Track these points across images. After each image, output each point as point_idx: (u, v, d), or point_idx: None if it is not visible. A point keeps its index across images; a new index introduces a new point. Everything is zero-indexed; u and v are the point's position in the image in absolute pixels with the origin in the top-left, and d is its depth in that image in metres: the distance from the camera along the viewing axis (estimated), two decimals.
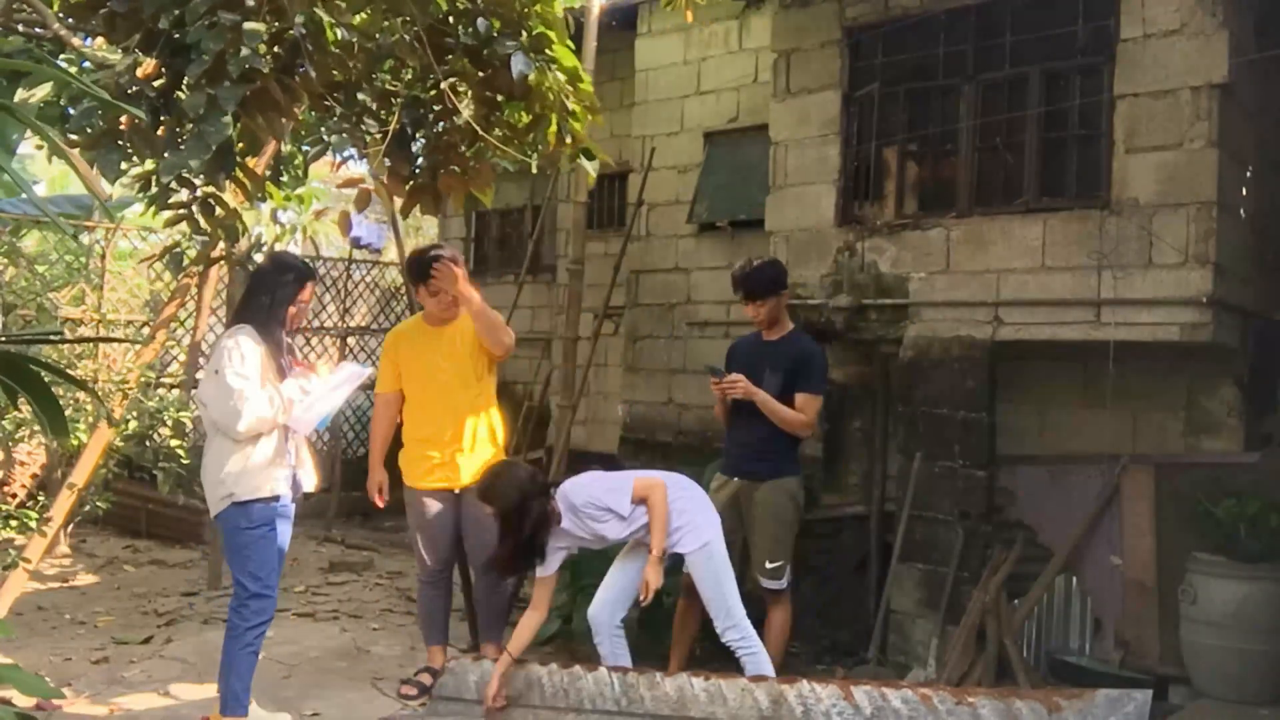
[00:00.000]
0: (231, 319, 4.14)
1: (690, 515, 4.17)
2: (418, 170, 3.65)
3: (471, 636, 5.22)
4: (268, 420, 3.88)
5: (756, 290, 4.74)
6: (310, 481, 4.21)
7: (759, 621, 4.40)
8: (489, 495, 4.11)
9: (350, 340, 9.90)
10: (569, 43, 3.51)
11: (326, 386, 4.11)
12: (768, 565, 4.62)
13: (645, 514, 4.13)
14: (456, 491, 4.64)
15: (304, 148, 5.41)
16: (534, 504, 4.08)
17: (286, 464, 4.03)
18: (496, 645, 4.67)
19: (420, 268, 4.52)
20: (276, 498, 3.96)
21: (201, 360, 6.50)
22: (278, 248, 5.54)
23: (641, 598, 4.05)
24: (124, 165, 2.99)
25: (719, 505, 4.65)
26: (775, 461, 4.65)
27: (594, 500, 4.15)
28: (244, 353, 3.86)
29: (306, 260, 4.50)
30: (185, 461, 6.68)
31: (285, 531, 4.13)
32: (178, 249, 5.00)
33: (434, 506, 4.66)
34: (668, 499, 4.11)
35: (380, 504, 4.75)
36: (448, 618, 4.87)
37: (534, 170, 4.07)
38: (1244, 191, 5.00)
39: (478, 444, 4.66)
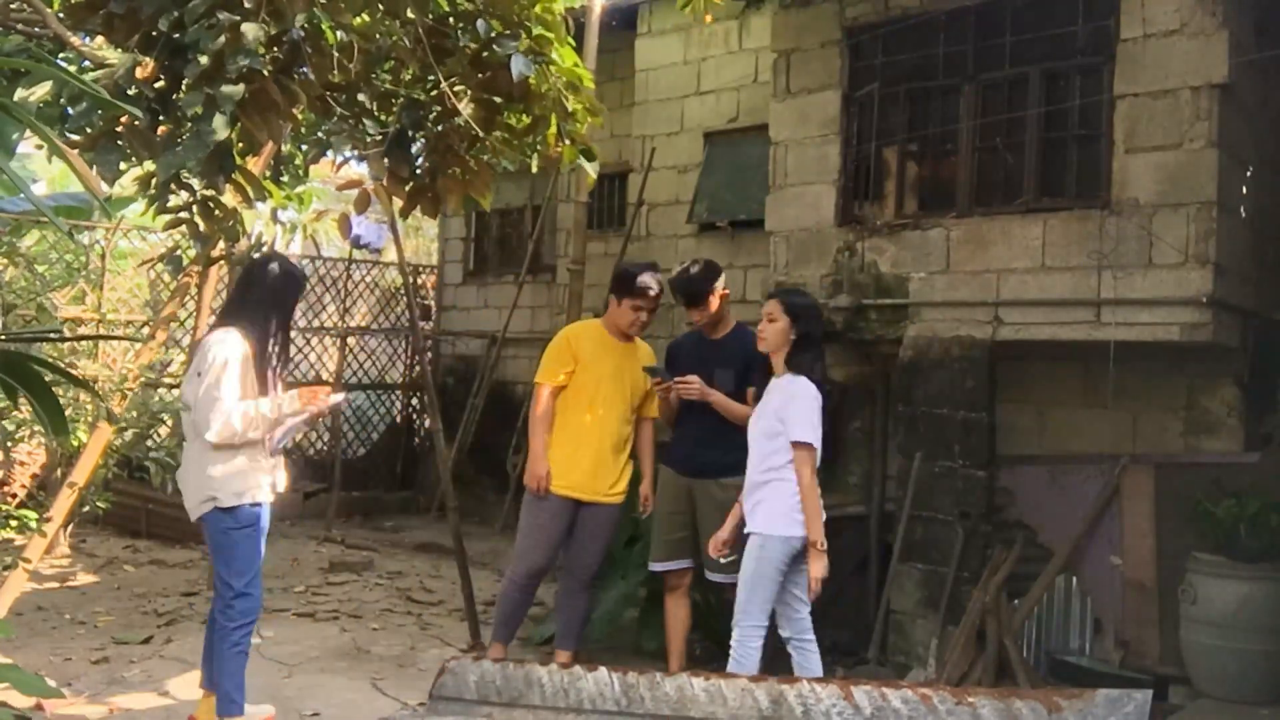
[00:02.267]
0: (220, 317, 4.02)
1: (777, 497, 4.04)
2: (417, 172, 3.65)
3: (472, 637, 5.23)
4: (237, 435, 3.77)
5: (697, 297, 4.70)
6: (281, 482, 4.10)
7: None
8: (794, 310, 4.13)
9: (350, 340, 9.90)
10: (571, 41, 3.51)
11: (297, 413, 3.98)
12: (721, 560, 4.63)
13: (771, 475, 4.03)
14: (581, 502, 4.70)
15: (303, 147, 5.42)
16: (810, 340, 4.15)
17: (268, 469, 3.94)
18: (570, 654, 4.74)
19: (626, 282, 4.67)
20: (258, 502, 3.90)
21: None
22: (279, 246, 5.54)
23: (809, 595, 4.02)
24: (123, 165, 2.99)
25: (668, 501, 4.77)
26: (725, 457, 4.57)
27: (794, 400, 4.02)
28: (227, 357, 3.76)
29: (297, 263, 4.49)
30: (179, 455, 6.69)
31: (261, 541, 4.07)
32: (177, 251, 5.00)
33: (557, 511, 4.70)
34: (814, 485, 3.98)
35: (540, 490, 4.68)
36: (523, 620, 4.99)
37: (534, 170, 4.07)
38: (1244, 191, 5.00)
39: (620, 465, 4.76)
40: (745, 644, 4.03)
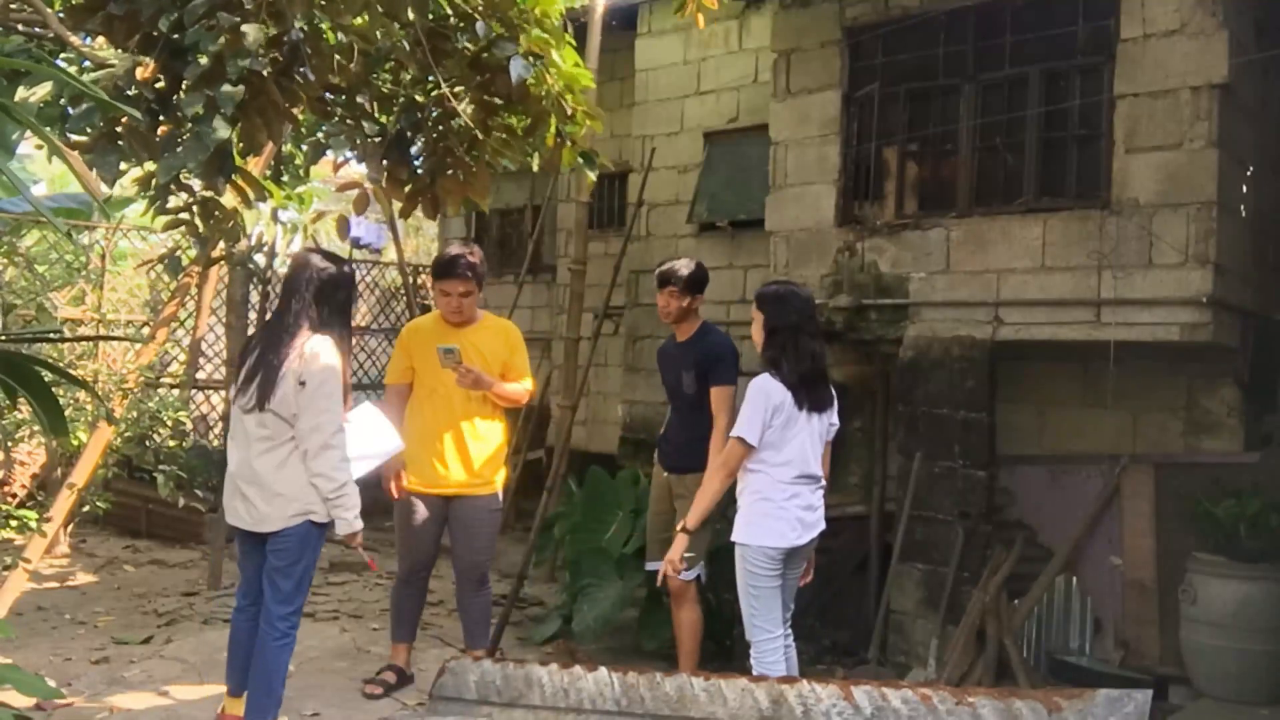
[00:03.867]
0: (300, 325, 3.84)
1: (747, 503, 3.95)
2: (416, 173, 3.65)
3: (466, 638, 5.22)
4: (348, 469, 3.81)
5: (665, 278, 4.70)
6: None
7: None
8: (762, 304, 4.03)
9: (350, 340, 9.89)
10: (571, 40, 3.51)
11: (367, 438, 4.04)
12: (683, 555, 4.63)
13: (751, 463, 3.93)
14: (447, 497, 4.65)
15: (303, 148, 5.42)
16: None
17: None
18: (486, 650, 4.71)
19: (441, 267, 4.57)
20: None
21: (202, 359, 6.48)
22: (279, 247, 5.54)
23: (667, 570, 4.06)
24: (123, 166, 2.99)
25: (657, 500, 4.82)
26: (693, 456, 4.57)
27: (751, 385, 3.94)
28: (332, 374, 3.75)
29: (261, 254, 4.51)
30: (183, 459, 6.68)
31: None
32: (177, 252, 5.01)
33: (422, 510, 4.66)
34: (723, 484, 3.97)
35: (395, 495, 4.67)
36: (417, 618, 4.89)
37: (534, 170, 4.07)
38: (1244, 191, 5.00)
39: (476, 454, 4.65)
40: (763, 659, 3.93)
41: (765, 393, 3.87)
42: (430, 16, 3.25)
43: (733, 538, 3.98)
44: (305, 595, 3.92)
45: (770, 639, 3.93)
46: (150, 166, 3.01)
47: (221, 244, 3.68)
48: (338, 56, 3.22)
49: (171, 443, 6.74)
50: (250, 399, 3.78)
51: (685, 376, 4.69)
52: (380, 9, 3.11)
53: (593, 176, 3.83)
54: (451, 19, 3.37)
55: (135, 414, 6.23)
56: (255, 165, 4.27)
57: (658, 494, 4.86)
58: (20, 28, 3.20)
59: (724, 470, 3.98)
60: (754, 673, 3.88)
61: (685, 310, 4.75)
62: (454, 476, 4.61)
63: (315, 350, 3.77)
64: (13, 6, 3.17)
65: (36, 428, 6.01)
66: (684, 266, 4.76)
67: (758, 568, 3.91)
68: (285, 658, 3.88)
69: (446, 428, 4.60)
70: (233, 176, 3.11)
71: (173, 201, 3.17)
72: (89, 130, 2.95)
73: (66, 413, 5.77)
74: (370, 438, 4.12)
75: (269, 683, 3.85)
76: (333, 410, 3.75)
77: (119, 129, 2.88)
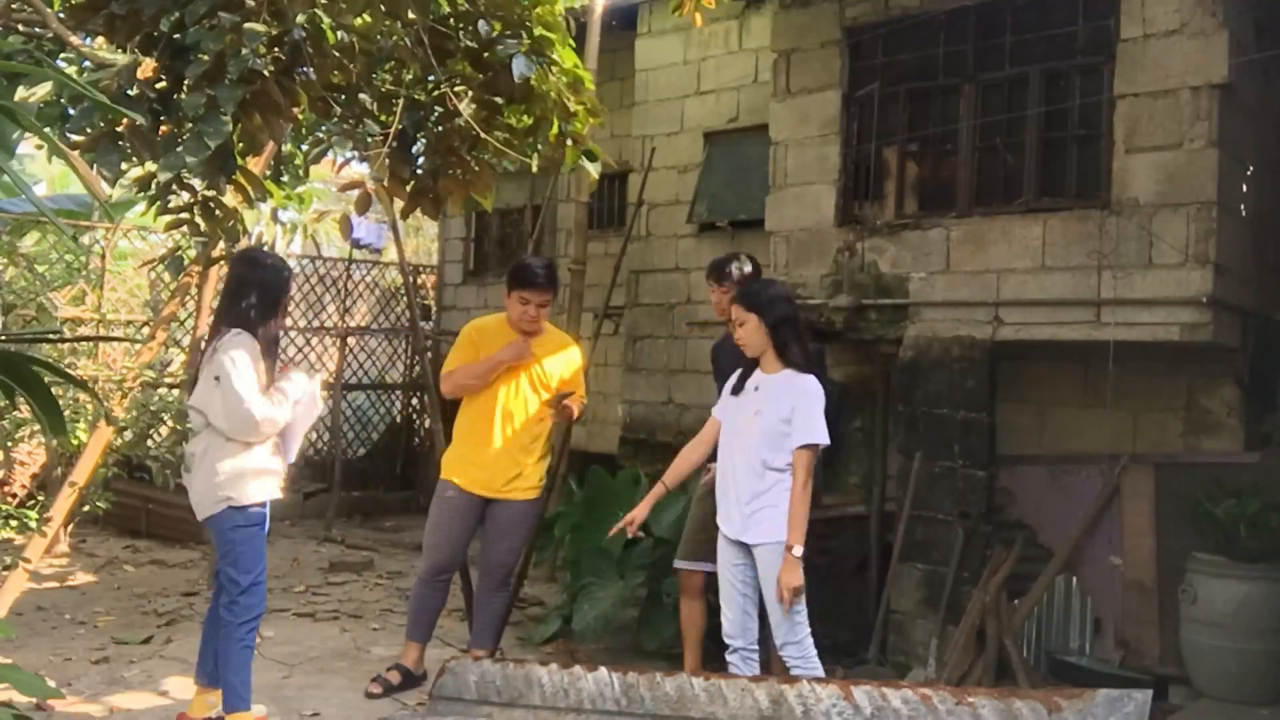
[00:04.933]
0: (220, 320, 4.06)
1: (773, 497, 3.82)
2: (418, 172, 3.65)
3: (473, 637, 5.22)
4: (279, 423, 3.92)
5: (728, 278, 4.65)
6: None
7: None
8: (756, 304, 3.91)
9: (350, 340, 9.91)
10: (571, 42, 3.51)
11: (305, 394, 4.08)
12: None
13: (765, 484, 3.82)
14: (488, 499, 4.67)
15: (303, 147, 5.41)
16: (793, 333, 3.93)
17: (277, 468, 4.03)
18: (488, 651, 4.70)
19: (523, 276, 4.60)
20: (266, 502, 3.97)
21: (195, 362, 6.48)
22: (279, 247, 5.53)
23: (787, 608, 3.76)
24: (124, 166, 2.99)
25: (701, 502, 4.65)
26: None
27: (808, 400, 3.81)
28: (246, 359, 3.86)
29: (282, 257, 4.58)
30: (180, 456, 6.67)
31: None
32: (178, 252, 5.01)
33: (459, 507, 4.67)
34: (809, 493, 3.78)
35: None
36: (435, 618, 4.85)
37: (535, 170, 4.07)
38: (1244, 191, 5.00)
39: (525, 459, 4.70)
40: (808, 660, 3.83)
41: (822, 395, 3.84)
42: (432, 15, 3.25)
43: (767, 538, 3.81)
44: (251, 582, 3.92)
45: (810, 635, 3.84)
46: (151, 166, 3.01)
47: (222, 244, 3.68)
48: (339, 56, 3.21)
49: (172, 440, 6.73)
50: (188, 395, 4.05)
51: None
52: (382, 8, 3.11)
53: (595, 175, 3.83)
54: (453, 18, 3.37)
55: (135, 414, 6.23)
56: (255, 165, 4.27)
57: (703, 494, 4.65)
58: (20, 28, 3.19)
59: (809, 480, 3.81)
60: (800, 675, 3.73)
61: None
62: (500, 481, 4.65)
63: (224, 345, 3.90)
64: (13, 7, 3.17)
65: (36, 428, 6.00)
66: (736, 267, 4.70)
67: (801, 563, 3.80)
68: (234, 648, 3.89)
69: (499, 432, 4.64)
70: (234, 175, 3.11)
71: (174, 201, 3.17)
72: (89, 130, 2.95)
73: (66, 413, 5.77)
74: (296, 391, 4.13)
75: (225, 674, 3.92)
76: (249, 394, 3.84)
77: (119, 129, 2.88)
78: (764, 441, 3.86)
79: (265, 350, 3.97)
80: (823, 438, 3.80)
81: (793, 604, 3.76)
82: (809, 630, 3.84)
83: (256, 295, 4.00)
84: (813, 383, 3.87)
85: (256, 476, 3.93)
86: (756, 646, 4.02)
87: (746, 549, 3.92)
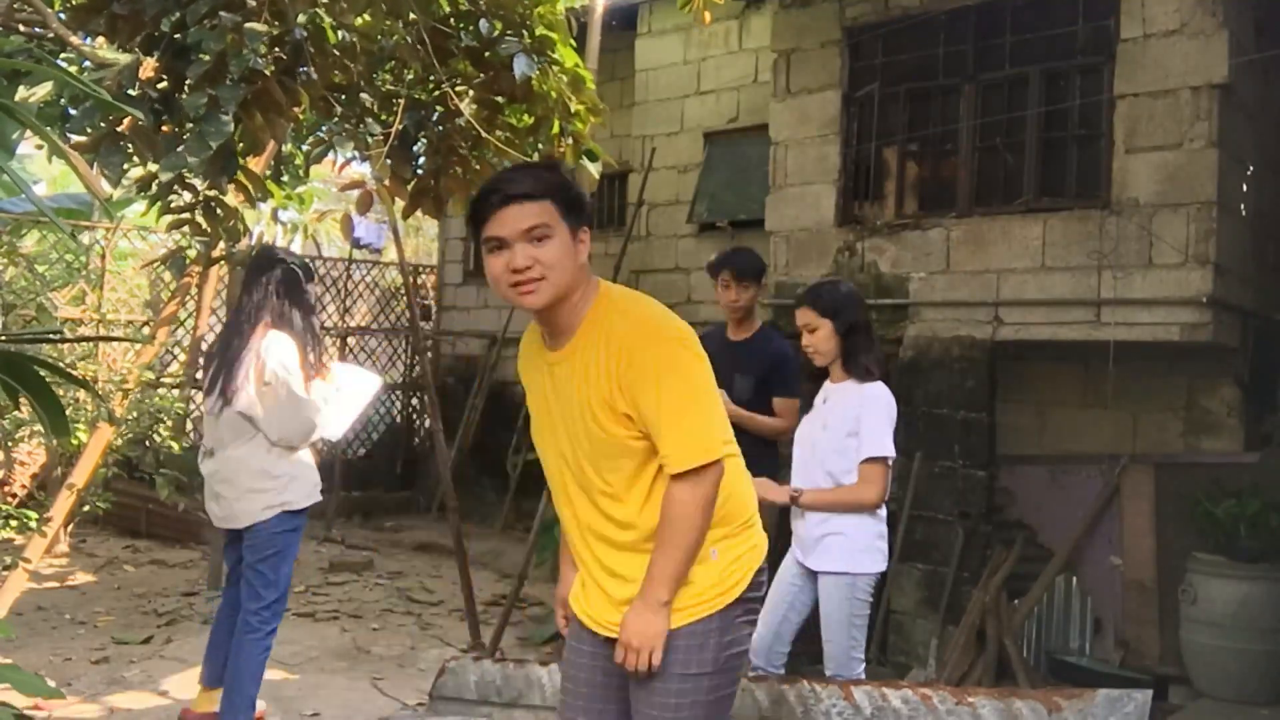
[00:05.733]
0: (259, 321, 3.88)
1: (851, 531, 3.57)
2: (419, 172, 3.65)
3: (472, 637, 5.22)
4: (335, 429, 3.93)
5: (746, 270, 4.33)
6: None
7: None
8: (831, 308, 3.62)
9: (350, 340, 9.91)
10: (572, 42, 3.51)
11: (347, 391, 4.07)
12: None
13: (853, 479, 3.57)
14: (603, 637, 2.37)
15: (303, 147, 5.41)
16: (866, 340, 3.61)
17: (316, 470, 4.02)
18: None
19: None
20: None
21: (202, 359, 6.48)
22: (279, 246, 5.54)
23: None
24: (126, 166, 2.99)
25: None
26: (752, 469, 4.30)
27: (875, 409, 3.55)
28: (296, 361, 3.81)
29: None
30: (182, 459, 6.67)
31: None
32: (180, 252, 5.01)
33: (578, 647, 2.44)
34: (867, 507, 3.54)
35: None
36: None
37: None
38: (1244, 191, 5.00)
39: (636, 560, 2.26)
40: None
41: (891, 404, 3.58)
42: (433, 15, 3.25)
43: (838, 567, 3.58)
44: (281, 591, 3.89)
45: (862, 667, 3.66)
46: (153, 166, 3.01)
47: (222, 243, 3.68)
48: (340, 55, 3.21)
49: (172, 443, 6.73)
50: (216, 401, 3.85)
51: (740, 380, 4.18)
52: (384, 7, 3.11)
53: (595, 174, 3.83)
54: (454, 17, 3.37)
55: (135, 414, 6.23)
56: (256, 165, 4.27)
57: None
58: (21, 28, 3.19)
59: (880, 498, 3.55)
60: None
61: (752, 302, 4.39)
62: (611, 603, 2.33)
63: (268, 346, 3.81)
64: (14, 6, 3.17)
65: (37, 428, 6.01)
66: (740, 256, 4.43)
67: (867, 595, 3.61)
68: (258, 656, 3.85)
69: (576, 522, 2.39)
70: (236, 175, 3.11)
71: (175, 201, 3.17)
72: (89, 130, 2.95)
73: (66, 413, 5.76)
74: (352, 386, 4.14)
75: (240, 681, 3.85)
76: (311, 402, 3.82)
77: (121, 129, 2.88)
78: (831, 456, 3.62)
79: (303, 355, 3.90)
80: (885, 449, 3.52)
81: (856, 634, 3.60)
82: (864, 667, 3.68)
83: (293, 297, 3.93)
84: (880, 390, 3.59)
85: (307, 480, 3.89)
86: (781, 671, 3.74)
87: (810, 574, 3.69)
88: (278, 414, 3.77)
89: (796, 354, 4.41)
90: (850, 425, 3.56)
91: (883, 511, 3.68)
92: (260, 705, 4.22)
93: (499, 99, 3.49)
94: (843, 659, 3.63)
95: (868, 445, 3.52)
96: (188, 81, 2.77)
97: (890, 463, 3.57)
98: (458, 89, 3.41)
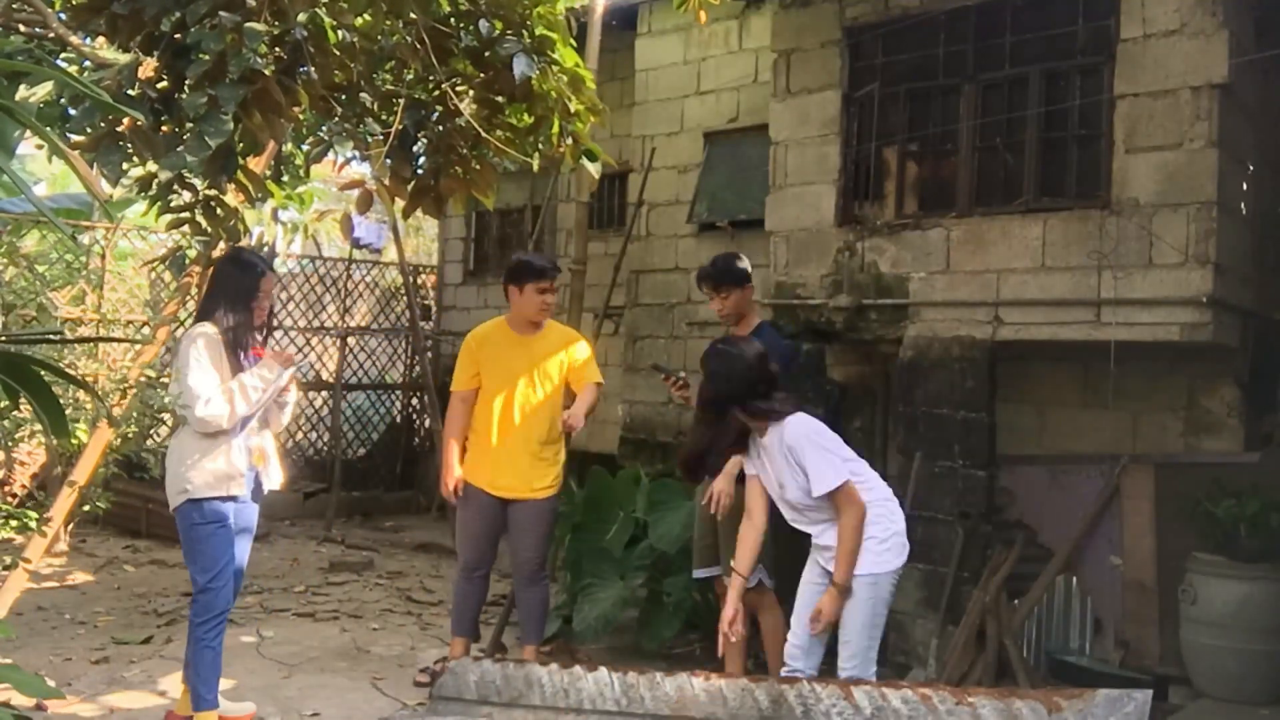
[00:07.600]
0: (196, 317, 4.13)
1: (872, 531, 3.69)
2: (419, 172, 3.65)
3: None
4: (223, 415, 3.84)
5: (722, 279, 4.65)
6: (276, 479, 4.16)
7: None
8: (714, 376, 3.76)
9: (350, 340, 9.91)
10: (572, 42, 3.52)
11: (248, 381, 3.98)
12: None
13: (830, 515, 3.70)
14: (505, 500, 4.74)
15: (303, 147, 5.42)
16: (754, 405, 3.70)
17: (246, 464, 3.97)
18: (535, 648, 4.80)
19: (538, 270, 4.63)
20: (233, 497, 3.93)
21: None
22: (279, 246, 5.54)
23: (812, 631, 3.75)
24: (125, 166, 2.99)
25: (702, 506, 4.60)
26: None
27: (800, 448, 3.64)
28: (201, 350, 3.86)
29: (261, 255, 4.56)
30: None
31: (245, 542, 4.11)
32: (180, 252, 5.01)
33: (480, 507, 4.76)
34: (863, 523, 3.64)
35: (453, 500, 4.83)
36: (478, 613, 4.97)
37: (536, 169, 4.06)
38: (1244, 191, 5.00)
39: (538, 466, 4.76)
40: None
41: (814, 430, 3.71)
42: (433, 15, 3.26)
43: (860, 570, 3.67)
44: (209, 581, 3.90)
45: (874, 669, 3.75)
46: (152, 166, 3.02)
47: (222, 243, 3.68)
48: (340, 55, 3.21)
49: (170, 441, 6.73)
50: None
51: None
52: (384, 7, 3.11)
53: (595, 174, 3.83)
54: (454, 17, 3.38)
55: (135, 414, 6.23)
56: (256, 164, 4.27)
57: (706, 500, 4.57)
58: (21, 28, 3.19)
59: (857, 516, 3.65)
60: None
61: (740, 306, 4.68)
62: (515, 485, 4.74)
63: (185, 340, 3.93)
64: (14, 6, 3.17)
65: (37, 427, 6.01)
66: (713, 268, 4.73)
67: (890, 594, 3.75)
68: (199, 650, 3.90)
69: (517, 439, 4.73)
70: (235, 175, 3.12)
71: (175, 200, 3.17)
72: (89, 130, 2.95)
73: (66, 413, 5.77)
74: (253, 376, 4.06)
75: (194, 673, 3.93)
76: (200, 381, 3.83)
77: (121, 129, 2.88)
78: (805, 505, 3.75)
79: (228, 345, 3.92)
80: (836, 479, 3.61)
81: (874, 636, 3.73)
82: (876, 669, 3.77)
83: (222, 291, 3.99)
84: (795, 424, 3.70)
85: (217, 471, 3.89)
86: (815, 674, 3.85)
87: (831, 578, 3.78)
88: (180, 399, 3.90)
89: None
90: (798, 476, 3.68)
91: (893, 503, 3.79)
92: (250, 706, 4.23)
93: (499, 99, 3.49)
94: (860, 660, 3.72)
95: (817, 485, 3.63)
96: (187, 81, 2.78)
97: (849, 479, 3.64)
98: (458, 89, 3.42)
